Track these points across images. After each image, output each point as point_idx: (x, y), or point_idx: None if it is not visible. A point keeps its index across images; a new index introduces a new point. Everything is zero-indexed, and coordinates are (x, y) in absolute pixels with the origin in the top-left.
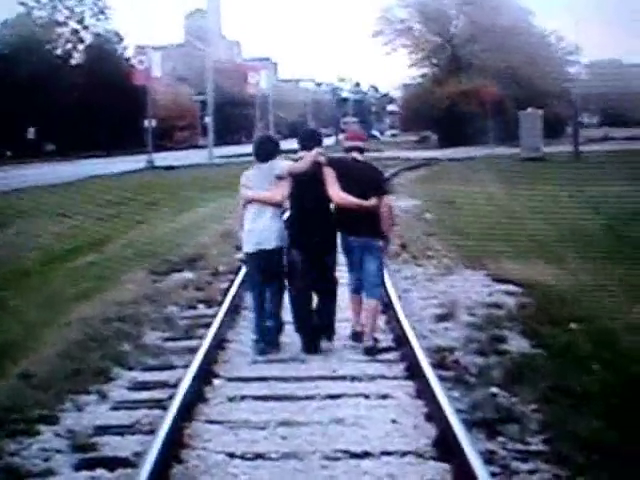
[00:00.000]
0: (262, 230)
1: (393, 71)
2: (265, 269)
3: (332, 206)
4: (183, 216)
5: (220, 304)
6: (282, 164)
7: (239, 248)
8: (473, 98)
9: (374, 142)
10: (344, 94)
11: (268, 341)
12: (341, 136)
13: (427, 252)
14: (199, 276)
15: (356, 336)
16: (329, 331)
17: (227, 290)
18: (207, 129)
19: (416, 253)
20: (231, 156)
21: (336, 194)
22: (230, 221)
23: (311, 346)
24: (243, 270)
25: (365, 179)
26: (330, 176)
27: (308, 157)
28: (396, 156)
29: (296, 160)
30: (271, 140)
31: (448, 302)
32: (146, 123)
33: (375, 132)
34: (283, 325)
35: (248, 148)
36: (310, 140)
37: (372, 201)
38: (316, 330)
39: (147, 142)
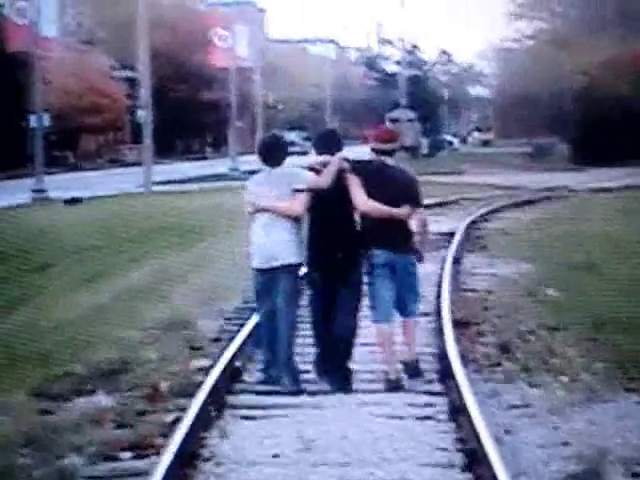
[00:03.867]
0: (276, 243)
1: (476, 26)
2: (277, 287)
3: (357, 219)
4: (94, 289)
5: (159, 453)
6: (302, 176)
7: (194, 347)
8: (633, 73)
9: (447, 155)
10: (390, 67)
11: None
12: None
13: (549, 360)
14: (124, 401)
15: (390, 382)
16: (345, 375)
17: (174, 426)
18: (141, 131)
19: (529, 362)
20: (183, 181)
21: (362, 202)
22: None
23: (344, 381)
24: (205, 389)
25: (397, 187)
26: (355, 184)
27: (332, 168)
28: (489, 183)
29: (313, 169)
30: (279, 141)
31: (590, 452)
32: (32, 122)
33: (449, 137)
34: (299, 373)
35: (216, 166)
36: (330, 143)
37: (404, 210)
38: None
39: (35, 156)
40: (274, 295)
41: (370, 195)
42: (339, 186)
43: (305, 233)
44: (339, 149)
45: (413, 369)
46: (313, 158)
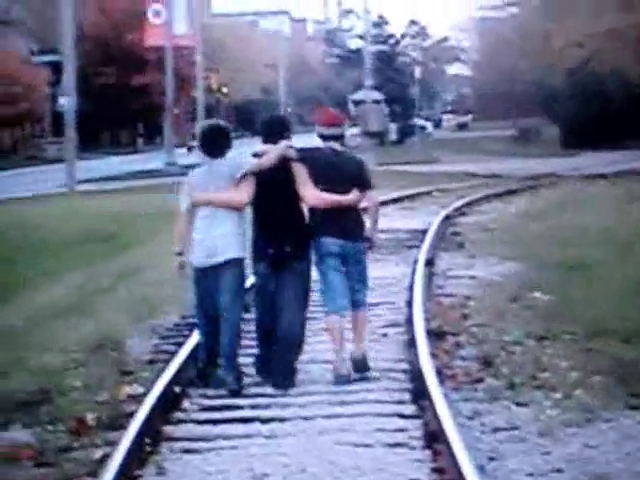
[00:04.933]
0: (218, 238)
1: None
2: (221, 285)
3: (305, 208)
4: (4, 308)
5: None
6: (242, 164)
7: (125, 372)
8: (637, 46)
9: (419, 141)
10: (353, 42)
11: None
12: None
13: (538, 374)
14: (44, 436)
15: (340, 376)
16: (290, 372)
17: (103, 463)
18: (63, 123)
19: (515, 377)
20: (112, 179)
21: (310, 194)
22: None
23: (285, 379)
24: (138, 419)
25: (345, 172)
26: (302, 174)
27: (275, 151)
28: (466, 172)
29: (258, 156)
30: (222, 129)
31: None
32: None
33: (421, 120)
34: (242, 374)
35: (150, 160)
36: (276, 131)
37: (354, 195)
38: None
39: None
40: (218, 294)
41: (318, 182)
42: (284, 175)
43: (248, 225)
44: (287, 137)
45: (362, 365)
46: (259, 147)
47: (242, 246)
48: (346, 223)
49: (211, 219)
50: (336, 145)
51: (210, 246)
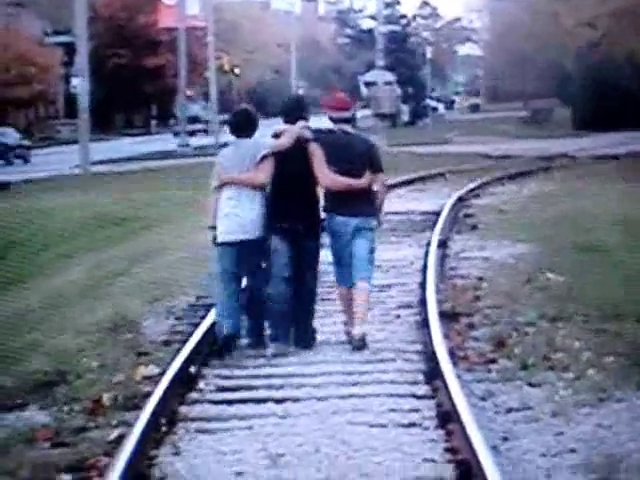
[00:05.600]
0: (242, 217)
1: None
2: (245, 262)
3: (318, 187)
4: (20, 291)
5: (102, 475)
6: (265, 142)
7: (140, 352)
8: None
9: (431, 122)
10: (365, 22)
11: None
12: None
13: (551, 355)
14: (60, 417)
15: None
16: (307, 336)
17: (119, 444)
18: (76, 104)
19: (528, 358)
20: (126, 160)
21: (325, 176)
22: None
23: (306, 340)
24: (153, 400)
25: (356, 155)
26: (317, 155)
27: (291, 132)
28: (479, 153)
29: (277, 136)
30: (250, 113)
31: (600, 460)
32: None
33: (433, 102)
34: (263, 324)
35: (163, 141)
36: (294, 111)
37: (365, 179)
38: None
39: None
40: (242, 270)
41: (331, 163)
42: (301, 154)
43: (267, 202)
44: (305, 118)
45: (362, 343)
46: (278, 127)
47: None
48: (357, 202)
49: (238, 198)
50: (347, 127)
51: (237, 224)
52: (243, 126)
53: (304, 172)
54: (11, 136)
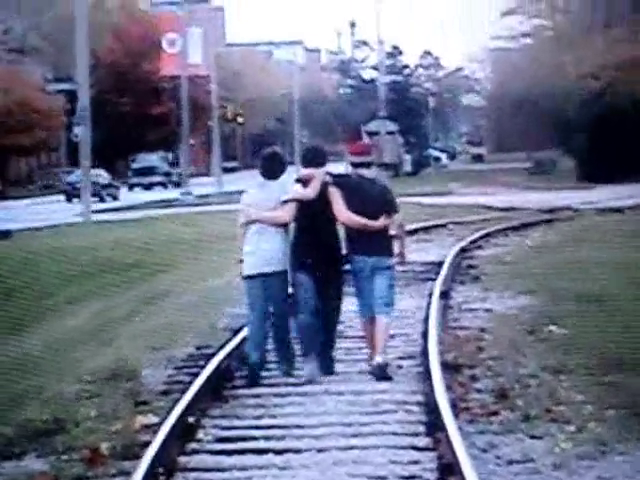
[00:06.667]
0: (266, 252)
1: (466, 28)
2: (270, 293)
3: (339, 227)
4: (22, 337)
5: None
6: (289, 188)
7: (139, 401)
8: None
9: (433, 173)
10: (367, 72)
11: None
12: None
13: (553, 407)
14: (59, 465)
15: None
16: (329, 364)
17: None
18: (78, 152)
19: (530, 410)
20: (127, 208)
21: (342, 213)
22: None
23: (327, 367)
24: (152, 449)
25: (374, 198)
26: (336, 195)
27: (316, 182)
28: (481, 204)
29: (300, 180)
30: (279, 156)
31: None
32: None
33: (436, 152)
34: (294, 352)
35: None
36: (314, 158)
37: (380, 221)
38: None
39: None
40: (268, 302)
41: (350, 205)
42: (323, 197)
43: (291, 239)
44: (323, 164)
45: (383, 371)
46: (301, 172)
47: (286, 260)
48: (376, 242)
49: (262, 234)
50: (365, 172)
51: (261, 258)
52: (275, 168)
53: (325, 213)
54: (102, 177)
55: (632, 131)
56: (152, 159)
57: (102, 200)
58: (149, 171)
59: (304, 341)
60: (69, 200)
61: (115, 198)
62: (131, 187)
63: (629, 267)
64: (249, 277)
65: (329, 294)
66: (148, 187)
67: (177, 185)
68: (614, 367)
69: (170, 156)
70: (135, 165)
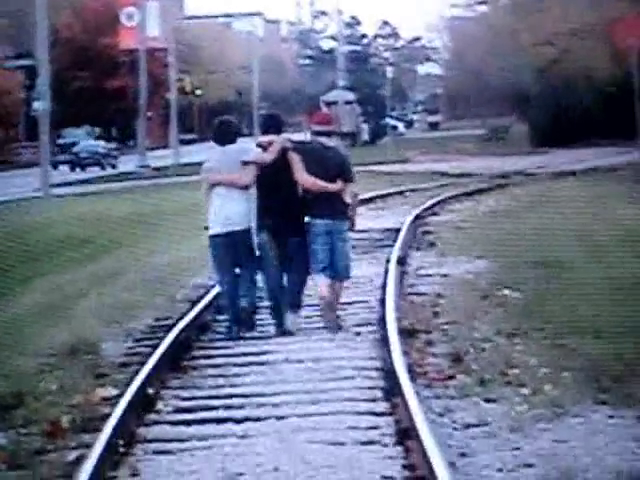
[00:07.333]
0: (231, 212)
1: None
2: (236, 250)
3: (299, 191)
4: None
5: None
6: (250, 150)
7: (99, 374)
8: (606, 45)
9: (391, 141)
10: (326, 42)
11: (244, 322)
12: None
13: (508, 371)
14: (18, 439)
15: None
16: (297, 305)
17: (77, 466)
18: (37, 127)
19: (486, 374)
20: (86, 181)
21: (303, 178)
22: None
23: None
24: (112, 421)
25: (332, 164)
26: (296, 161)
27: (276, 146)
28: (437, 171)
29: (260, 145)
30: (230, 124)
31: (557, 475)
32: None
33: (393, 120)
34: (256, 305)
35: (123, 162)
36: (274, 125)
37: (338, 184)
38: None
39: None
40: (235, 257)
41: (309, 171)
42: (284, 162)
43: (254, 203)
44: (282, 131)
45: (336, 325)
46: (260, 138)
47: (250, 218)
48: (333, 206)
49: (226, 195)
50: (325, 140)
51: (227, 217)
52: (228, 134)
53: (285, 177)
54: (101, 146)
55: (585, 97)
56: (78, 134)
57: (103, 168)
58: (70, 147)
59: (272, 296)
60: (72, 169)
61: (114, 167)
62: (55, 165)
63: (584, 233)
64: (216, 236)
65: (291, 253)
66: (73, 167)
67: (112, 167)
68: (569, 331)
69: (97, 130)
70: (60, 141)
